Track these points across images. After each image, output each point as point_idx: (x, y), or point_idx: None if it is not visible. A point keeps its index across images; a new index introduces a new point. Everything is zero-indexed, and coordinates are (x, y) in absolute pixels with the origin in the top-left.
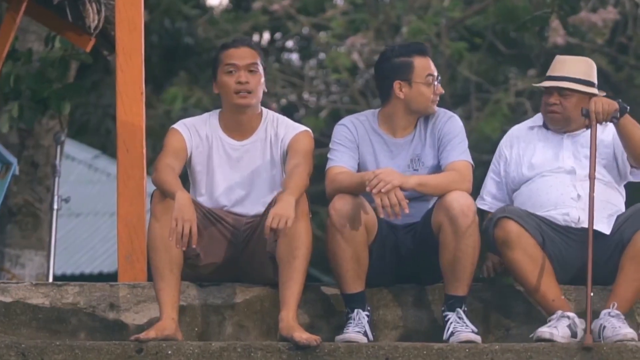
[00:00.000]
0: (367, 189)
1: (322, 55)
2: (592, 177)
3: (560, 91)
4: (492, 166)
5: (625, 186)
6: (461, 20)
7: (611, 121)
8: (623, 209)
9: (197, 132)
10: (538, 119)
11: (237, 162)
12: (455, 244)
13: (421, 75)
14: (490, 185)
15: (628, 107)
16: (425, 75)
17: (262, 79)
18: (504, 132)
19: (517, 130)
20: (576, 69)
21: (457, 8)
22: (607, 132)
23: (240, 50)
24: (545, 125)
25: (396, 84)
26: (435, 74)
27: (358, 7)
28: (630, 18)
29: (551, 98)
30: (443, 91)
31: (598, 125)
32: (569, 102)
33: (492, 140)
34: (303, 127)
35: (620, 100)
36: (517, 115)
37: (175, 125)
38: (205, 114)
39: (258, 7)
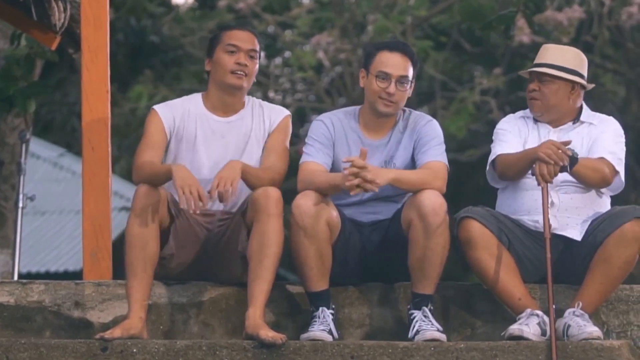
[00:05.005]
0: (347, 184)
1: (287, 54)
2: (546, 237)
3: (540, 77)
4: (499, 143)
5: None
6: (427, 18)
7: (562, 171)
8: (603, 212)
9: (181, 106)
10: (529, 111)
11: (222, 138)
12: (424, 241)
13: (375, 68)
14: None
15: (578, 156)
16: (378, 68)
17: (257, 67)
18: (469, 130)
19: (513, 117)
20: (560, 57)
21: (422, 6)
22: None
23: (244, 34)
24: (535, 118)
25: (361, 72)
26: (394, 73)
27: (323, 5)
28: (595, 17)
29: (532, 84)
30: (393, 92)
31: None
32: (548, 89)
33: (458, 138)
34: (286, 111)
35: (570, 149)
36: (482, 114)
37: (155, 107)
38: (189, 95)
39: (223, 5)
